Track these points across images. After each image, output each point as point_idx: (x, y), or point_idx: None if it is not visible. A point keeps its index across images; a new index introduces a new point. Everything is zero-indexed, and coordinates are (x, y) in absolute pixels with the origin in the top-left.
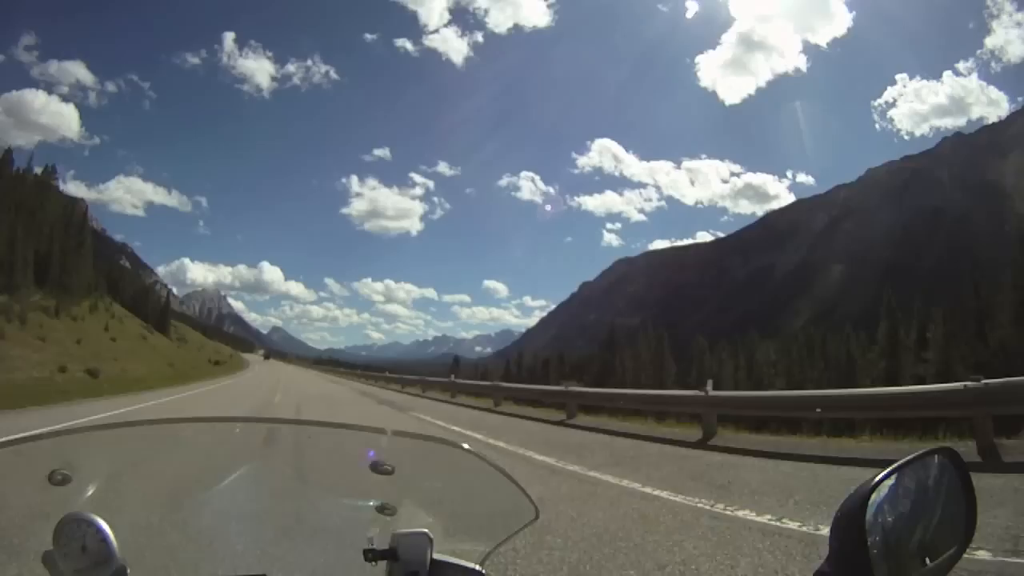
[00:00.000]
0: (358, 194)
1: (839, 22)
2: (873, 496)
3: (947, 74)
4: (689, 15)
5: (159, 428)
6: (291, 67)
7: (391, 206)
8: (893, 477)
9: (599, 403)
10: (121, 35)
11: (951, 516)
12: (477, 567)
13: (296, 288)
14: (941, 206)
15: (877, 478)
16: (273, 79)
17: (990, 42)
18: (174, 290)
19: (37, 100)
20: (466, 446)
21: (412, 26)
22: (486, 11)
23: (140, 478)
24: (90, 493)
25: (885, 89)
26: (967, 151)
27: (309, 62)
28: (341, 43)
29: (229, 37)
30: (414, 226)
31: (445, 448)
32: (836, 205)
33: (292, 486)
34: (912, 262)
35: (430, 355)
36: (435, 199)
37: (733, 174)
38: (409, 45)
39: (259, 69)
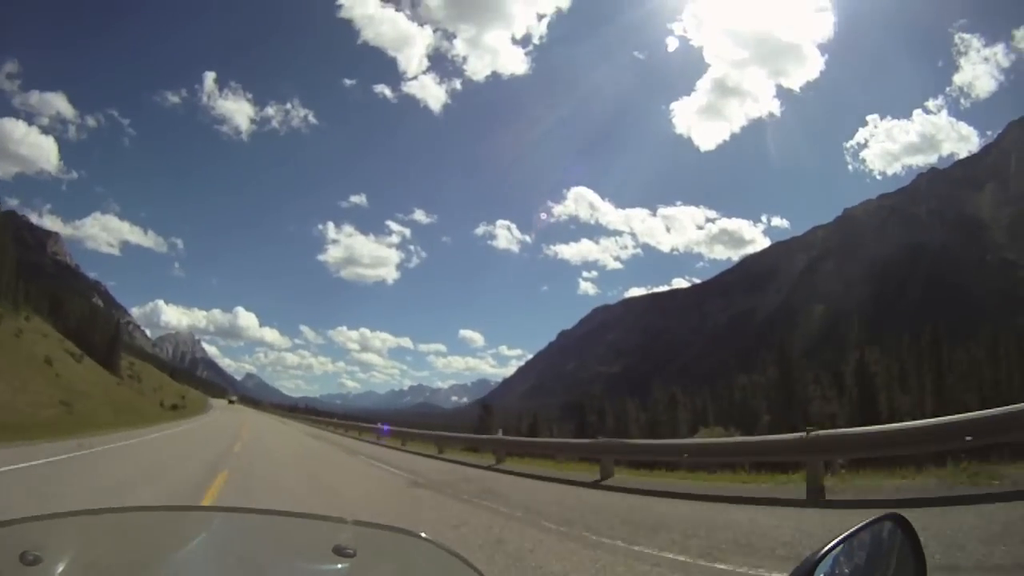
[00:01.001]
0: (334, 241)
1: (811, 65)
2: (821, 565)
3: (917, 112)
4: (664, 62)
5: (135, 516)
6: (270, 110)
7: (367, 254)
8: (841, 546)
9: (526, 450)
10: (104, 69)
11: None
12: None
13: (271, 335)
14: (921, 241)
15: (826, 547)
16: (252, 121)
17: (959, 79)
18: (147, 332)
19: (17, 130)
20: (423, 534)
21: (391, 72)
22: (464, 58)
23: (109, 567)
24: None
25: (857, 130)
26: (943, 186)
27: (288, 105)
28: (320, 88)
29: (210, 77)
30: (390, 274)
31: (403, 536)
32: (815, 246)
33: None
34: (895, 297)
35: (406, 404)
36: (411, 247)
37: (708, 220)
38: (388, 91)
39: (238, 111)
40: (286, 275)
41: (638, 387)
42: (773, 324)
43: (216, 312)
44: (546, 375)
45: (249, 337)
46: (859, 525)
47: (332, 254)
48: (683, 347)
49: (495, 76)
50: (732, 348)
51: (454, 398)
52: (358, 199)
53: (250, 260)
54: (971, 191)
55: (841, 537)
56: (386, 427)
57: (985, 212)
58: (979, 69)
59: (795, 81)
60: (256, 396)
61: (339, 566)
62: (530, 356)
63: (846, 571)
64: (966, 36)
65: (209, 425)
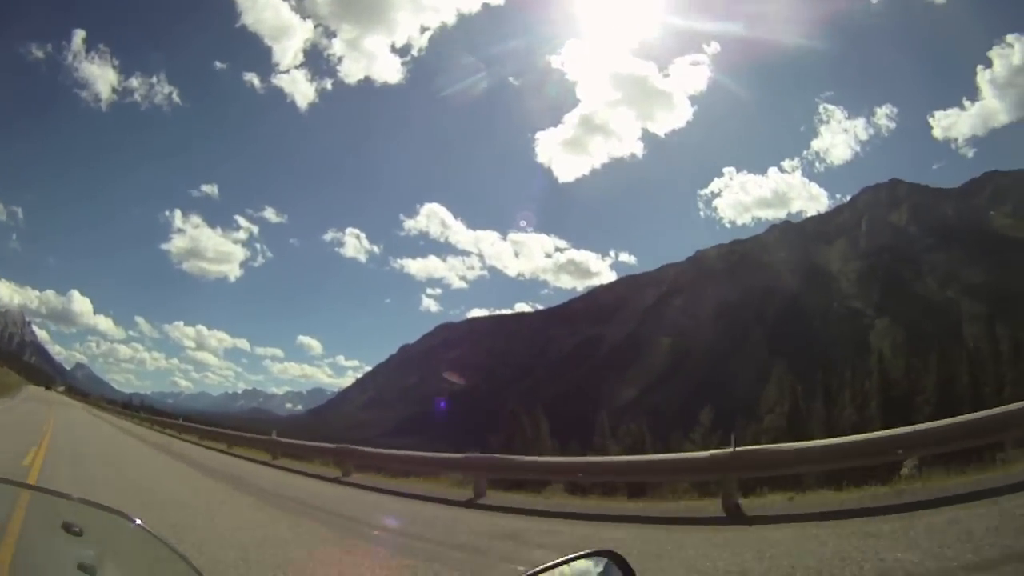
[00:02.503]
0: (180, 230)
1: (679, 114)
2: None
3: (772, 170)
4: (537, 92)
5: None
6: (135, 81)
7: (212, 247)
8: (551, 571)
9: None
10: None
11: None
12: None
13: (105, 323)
14: (770, 286)
15: (535, 569)
16: (114, 91)
17: (816, 144)
18: None
19: None
20: (139, 521)
21: (264, 62)
22: (340, 59)
23: None
24: None
25: (713, 180)
26: (794, 237)
27: (154, 79)
28: (190, 66)
29: (79, 35)
30: (233, 271)
31: (123, 521)
32: (665, 282)
33: None
34: (743, 337)
35: (239, 408)
36: (258, 245)
37: (558, 249)
38: (257, 81)
39: (102, 77)
40: (126, 261)
41: (481, 406)
42: (619, 353)
43: (50, 294)
44: (385, 389)
45: (83, 324)
46: (575, 554)
47: (176, 244)
48: (527, 370)
49: (367, 81)
50: (577, 374)
51: (288, 405)
52: (209, 189)
53: (91, 240)
54: (821, 244)
55: (553, 562)
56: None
57: (834, 265)
58: (837, 138)
59: (661, 127)
60: (85, 388)
61: (66, 543)
62: (368, 368)
63: None
64: (830, 107)
65: None
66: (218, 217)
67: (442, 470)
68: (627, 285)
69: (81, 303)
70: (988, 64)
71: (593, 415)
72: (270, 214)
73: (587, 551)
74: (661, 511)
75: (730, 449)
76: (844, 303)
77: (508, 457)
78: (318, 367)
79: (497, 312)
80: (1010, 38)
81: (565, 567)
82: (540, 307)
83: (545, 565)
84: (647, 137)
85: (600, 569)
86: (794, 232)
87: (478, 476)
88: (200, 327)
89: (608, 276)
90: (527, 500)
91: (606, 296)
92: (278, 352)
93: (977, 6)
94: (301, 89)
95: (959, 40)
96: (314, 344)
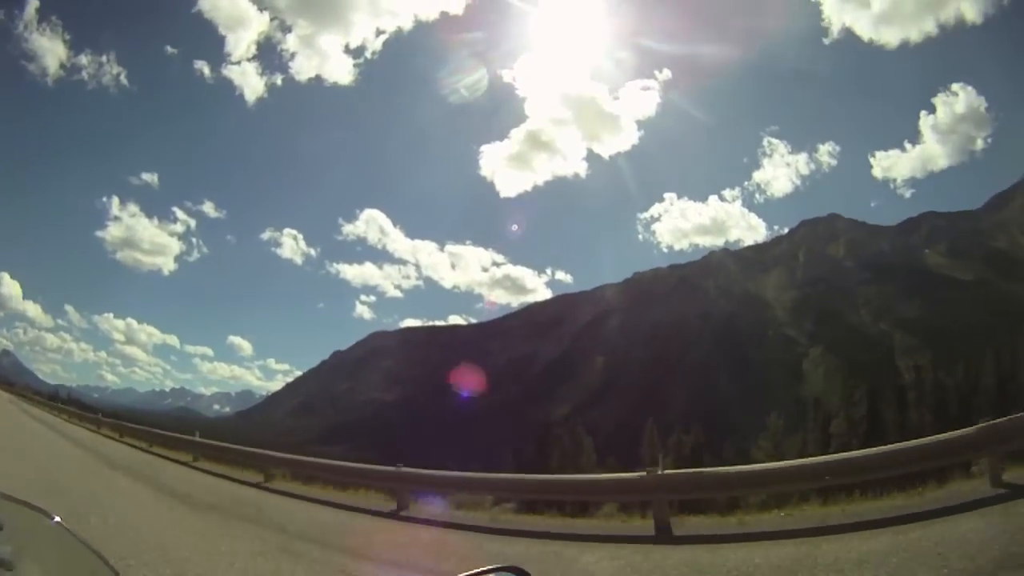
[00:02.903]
0: (116, 218)
1: (626, 138)
2: None
3: (713, 198)
4: (486, 105)
5: None
6: (84, 59)
7: (148, 238)
8: None
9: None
10: None
11: None
12: None
13: (34, 310)
14: (707, 310)
15: None
16: (62, 66)
17: (758, 176)
18: None
19: None
20: (57, 518)
21: (216, 51)
22: (293, 55)
23: None
24: None
25: (653, 204)
26: (732, 264)
27: (104, 58)
28: (141, 48)
29: (33, 3)
30: (167, 265)
31: (39, 515)
32: (602, 302)
33: None
34: (678, 359)
35: (166, 407)
36: (194, 240)
37: (495, 264)
38: (207, 70)
39: (52, 50)
40: (60, 246)
41: (413, 417)
42: (553, 370)
43: None
44: (315, 395)
45: (11, 309)
46: (480, 569)
47: (112, 232)
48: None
49: (318, 80)
50: (511, 390)
51: (216, 406)
52: (149, 177)
53: (24, 222)
54: (759, 273)
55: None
56: None
57: (770, 293)
58: (779, 171)
59: (607, 149)
60: (10, 377)
61: None
62: (298, 372)
63: None
64: (774, 141)
65: None
66: (156, 207)
67: (367, 481)
68: (563, 303)
69: (10, 286)
70: (932, 110)
71: (524, 430)
72: (209, 208)
73: (493, 566)
74: (590, 528)
75: (658, 470)
76: (779, 330)
77: (424, 472)
78: (248, 369)
79: (431, 323)
80: (955, 87)
81: None
82: (474, 320)
83: None
84: (592, 158)
85: None
86: (732, 259)
87: (401, 488)
88: (130, 320)
89: (543, 294)
90: (464, 516)
91: (541, 313)
92: (208, 351)
93: (925, 54)
94: (251, 82)
95: (906, 85)
96: (245, 345)
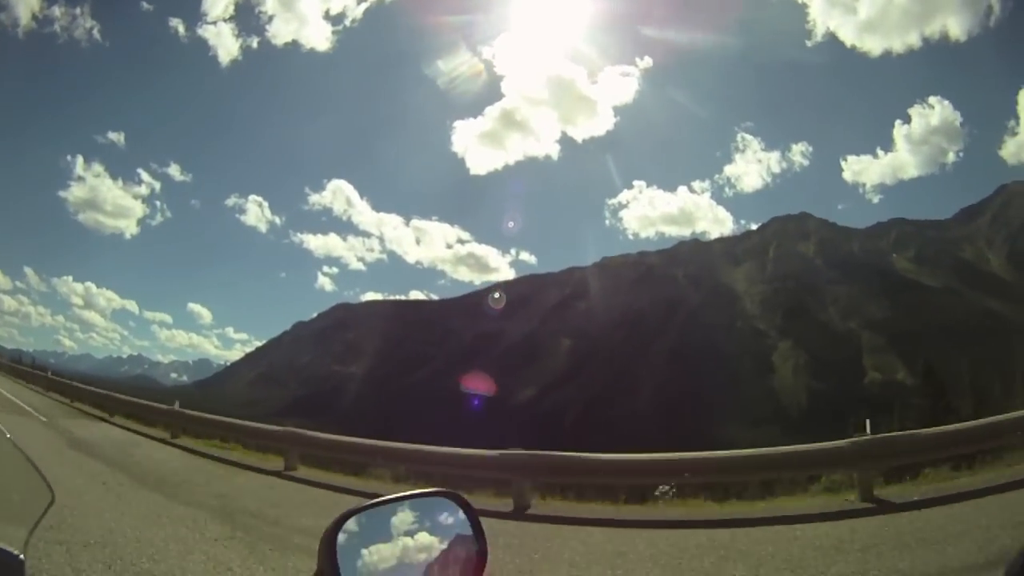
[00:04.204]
0: (80, 178)
1: (601, 123)
2: (355, 518)
3: (682, 188)
4: (463, 80)
5: None
6: (57, 10)
7: (111, 200)
8: (388, 506)
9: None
10: None
11: (461, 554)
12: (17, 553)
13: None
14: (675, 298)
15: (367, 503)
16: (34, 17)
17: (729, 170)
18: None
19: None
20: (8, 435)
21: (193, 9)
22: (271, 18)
23: None
24: None
25: (622, 191)
26: (702, 256)
27: (78, 10)
28: (117, 2)
29: None
30: (130, 228)
31: None
32: (570, 284)
33: None
34: (646, 344)
35: (123, 375)
36: (158, 203)
37: (460, 241)
38: (182, 28)
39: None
40: (20, 205)
41: (376, 390)
42: (518, 351)
43: None
44: (277, 365)
45: None
46: (418, 491)
47: (75, 192)
48: (424, 359)
49: (295, 45)
50: (474, 367)
51: (174, 375)
52: (116, 137)
53: None
54: (729, 265)
55: (397, 495)
56: None
57: (740, 285)
58: (751, 167)
59: (581, 132)
60: None
61: None
62: (258, 343)
63: (384, 529)
64: (748, 136)
65: None
66: (121, 168)
67: (255, 439)
68: (530, 283)
69: None
70: (907, 120)
71: (497, 408)
72: (175, 171)
73: (430, 489)
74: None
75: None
76: (748, 322)
77: (306, 433)
78: (206, 337)
79: (392, 297)
80: (932, 99)
81: (408, 502)
82: (435, 297)
83: (387, 497)
84: (565, 140)
85: (444, 508)
86: (703, 250)
87: (290, 450)
88: (89, 284)
89: (507, 274)
90: (342, 480)
91: (509, 292)
92: (167, 318)
93: (906, 65)
94: (226, 43)
95: (884, 93)
96: (204, 313)
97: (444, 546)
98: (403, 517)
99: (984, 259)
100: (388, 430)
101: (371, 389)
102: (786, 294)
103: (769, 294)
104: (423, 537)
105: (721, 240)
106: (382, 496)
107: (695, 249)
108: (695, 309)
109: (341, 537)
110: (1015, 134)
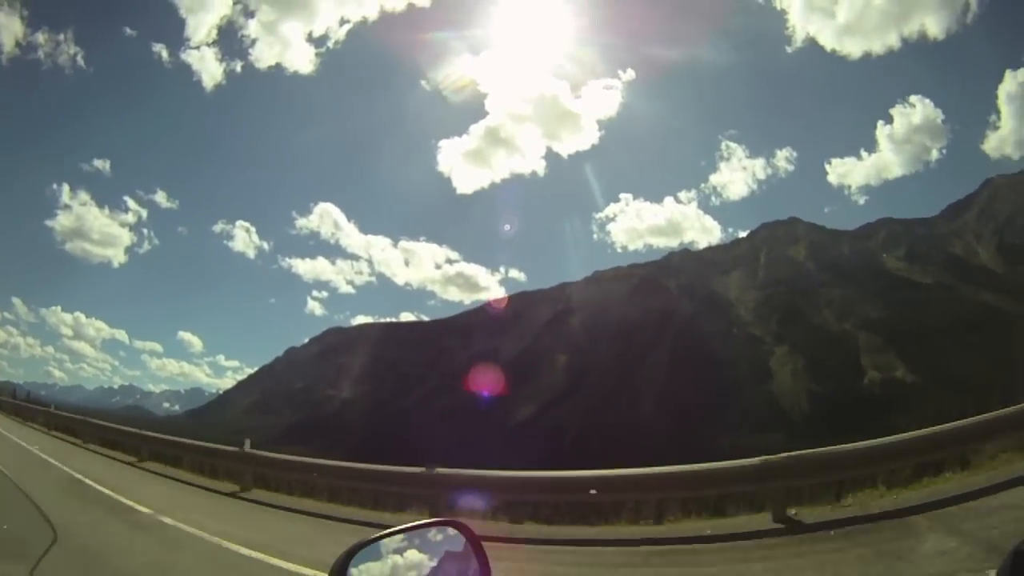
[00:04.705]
0: (67, 207)
1: (586, 138)
2: (364, 550)
3: (668, 199)
4: (446, 99)
5: None
6: (41, 36)
7: (98, 228)
8: (395, 538)
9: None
10: None
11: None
12: None
13: None
14: (669, 309)
15: (375, 535)
16: (18, 44)
17: (715, 179)
18: None
19: None
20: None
21: (176, 34)
22: (254, 41)
23: None
24: None
25: (609, 205)
26: (693, 265)
27: (61, 37)
28: (100, 29)
29: None
30: (118, 257)
31: None
32: (562, 300)
33: None
34: (641, 356)
35: (115, 405)
36: (145, 231)
37: (449, 261)
38: (165, 54)
39: (8, 27)
40: (6, 236)
41: (372, 412)
42: (515, 369)
43: None
44: (271, 392)
45: None
46: (422, 522)
47: (62, 221)
48: (419, 380)
49: (278, 69)
50: (471, 385)
51: (166, 404)
52: (101, 164)
53: None
54: (720, 274)
55: (402, 527)
56: None
57: (732, 293)
58: (736, 175)
59: (566, 148)
60: None
61: None
62: (249, 370)
63: (395, 559)
64: (732, 145)
65: None
66: (107, 196)
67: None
68: (523, 300)
69: None
70: (889, 120)
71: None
72: (161, 198)
73: (434, 519)
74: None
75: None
76: (744, 329)
77: (263, 454)
78: (197, 365)
79: (383, 320)
80: (913, 98)
81: (415, 532)
82: (426, 318)
83: (395, 528)
84: (550, 156)
85: (445, 537)
86: (693, 260)
87: (245, 471)
88: (79, 314)
89: (497, 292)
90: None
91: (499, 310)
92: (157, 347)
93: (887, 66)
94: (209, 68)
95: (865, 95)
96: (195, 341)
97: (452, 574)
98: (409, 547)
99: (974, 253)
100: (387, 452)
101: (367, 412)
102: (779, 299)
103: (762, 300)
104: (429, 566)
105: (711, 249)
106: (390, 528)
107: (685, 259)
108: (689, 318)
109: (352, 572)
110: (997, 128)
